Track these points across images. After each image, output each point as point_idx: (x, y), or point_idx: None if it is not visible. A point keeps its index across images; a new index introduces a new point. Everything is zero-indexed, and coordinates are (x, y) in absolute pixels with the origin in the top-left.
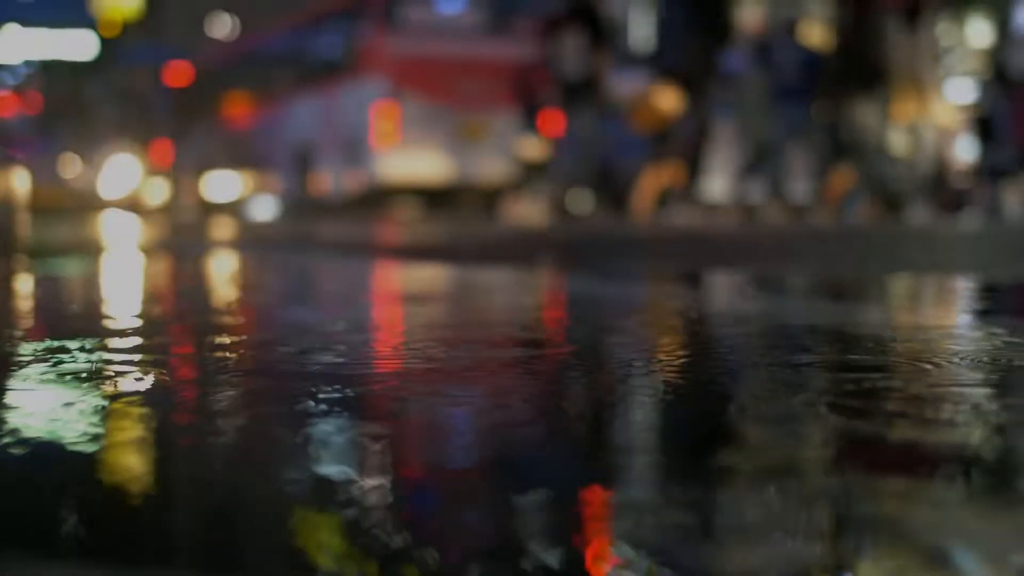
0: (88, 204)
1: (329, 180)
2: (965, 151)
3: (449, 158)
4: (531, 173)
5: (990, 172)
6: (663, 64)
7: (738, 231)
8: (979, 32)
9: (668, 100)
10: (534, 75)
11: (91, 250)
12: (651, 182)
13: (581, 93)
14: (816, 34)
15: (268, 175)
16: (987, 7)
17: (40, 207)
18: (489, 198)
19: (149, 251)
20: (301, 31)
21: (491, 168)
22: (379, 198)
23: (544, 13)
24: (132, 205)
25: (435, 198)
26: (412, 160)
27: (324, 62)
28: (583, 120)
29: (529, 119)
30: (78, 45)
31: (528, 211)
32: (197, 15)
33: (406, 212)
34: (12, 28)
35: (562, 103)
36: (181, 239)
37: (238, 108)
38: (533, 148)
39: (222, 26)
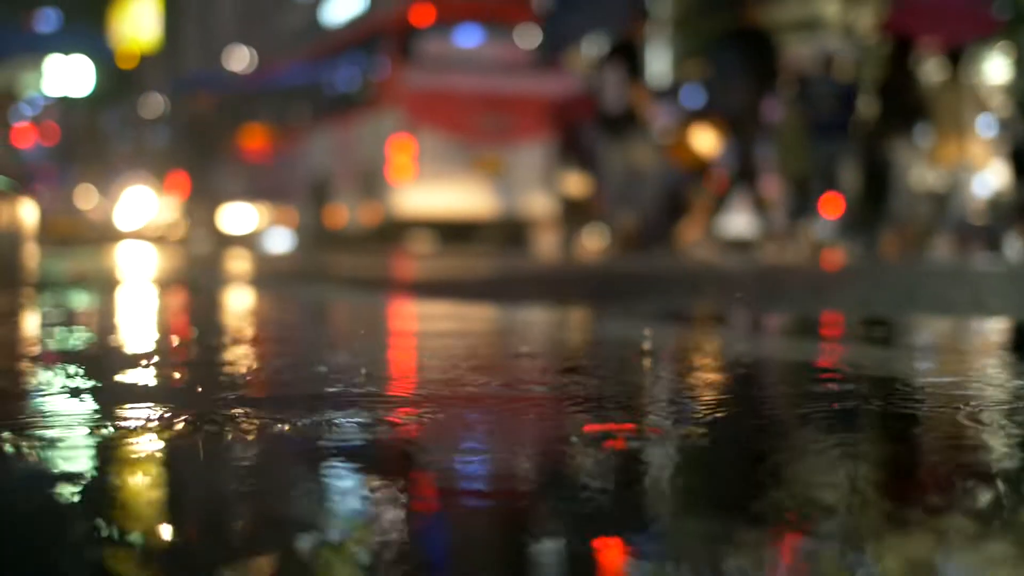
0: (104, 235)
1: (345, 213)
2: (986, 186)
3: (466, 192)
4: (572, 208)
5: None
6: (711, 104)
7: (777, 267)
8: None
9: (706, 138)
10: (575, 109)
11: (101, 283)
12: (697, 218)
13: (623, 127)
14: (852, 70)
15: (284, 208)
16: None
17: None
18: (506, 232)
19: (159, 284)
20: (318, 64)
21: (508, 202)
22: (395, 231)
23: (581, 48)
24: (148, 237)
25: (451, 232)
26: (428, 194)
27: (341, 95)
28: (626, 154)
29: (571, 154)
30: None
31: (566, 244)
32: (215, 48)
33: (422, 245)
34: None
35: (605, 137)
36: (195, 272)
37: (255, 140)
38: (574, 184)
39: (239, 59)
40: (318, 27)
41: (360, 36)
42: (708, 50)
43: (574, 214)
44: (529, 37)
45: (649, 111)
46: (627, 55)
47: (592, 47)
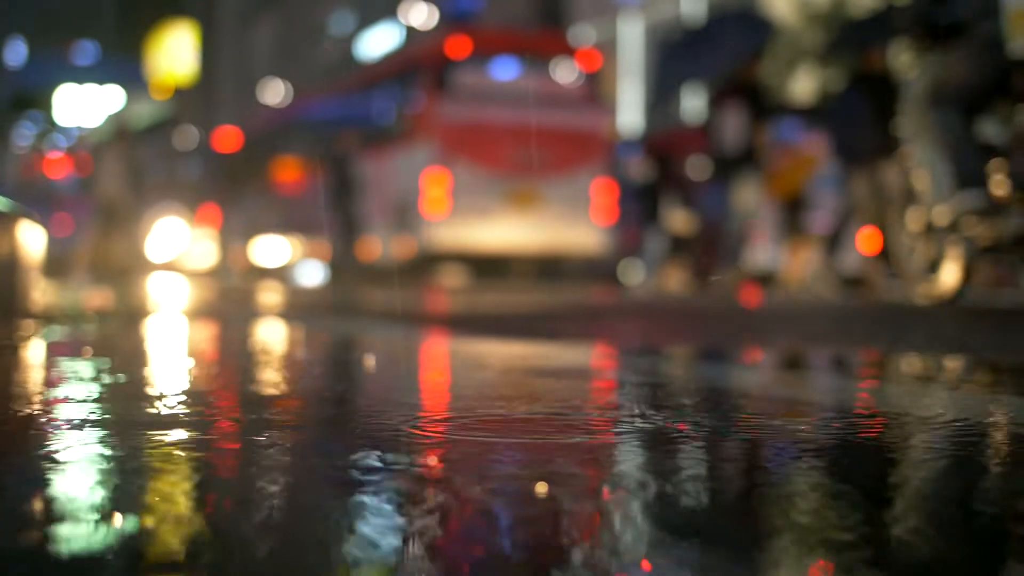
0: (136, 267)
1: (378, 246)
2: None
3: (501, 226)
4: (678, 244)
5: None
6: (838, 150)
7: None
8: None
9: (807, 171)
10: (676, 145)
11: (120, 315)
12: (800, 254)
13: (741, 166)
14: None
15: (317, 240)
16: None
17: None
18: (542, 266)
19: (180, 317)
20: (353, 96)
21: (543, 236)
22: (428, 265)
23: (703, 84)
24: (179, 268)
25: (485, 266)
26: (462, 227)
27: (375, 128)
28: (738, 195)
29: (673, 190)
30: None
31: (677, 281)
32: (250, 81)
33: (455, 279)
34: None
35: (721, 175)
36: (218, 304)
37: (288, 173)
38: (679, 221)
39: (274, 92)
40: (353, 61)
41: (396, 69)
42: (830, 94)
43: (678, 250)
44: (565, 70)
45: (767, 153)
46: (747, 95)
47: (707, 86)
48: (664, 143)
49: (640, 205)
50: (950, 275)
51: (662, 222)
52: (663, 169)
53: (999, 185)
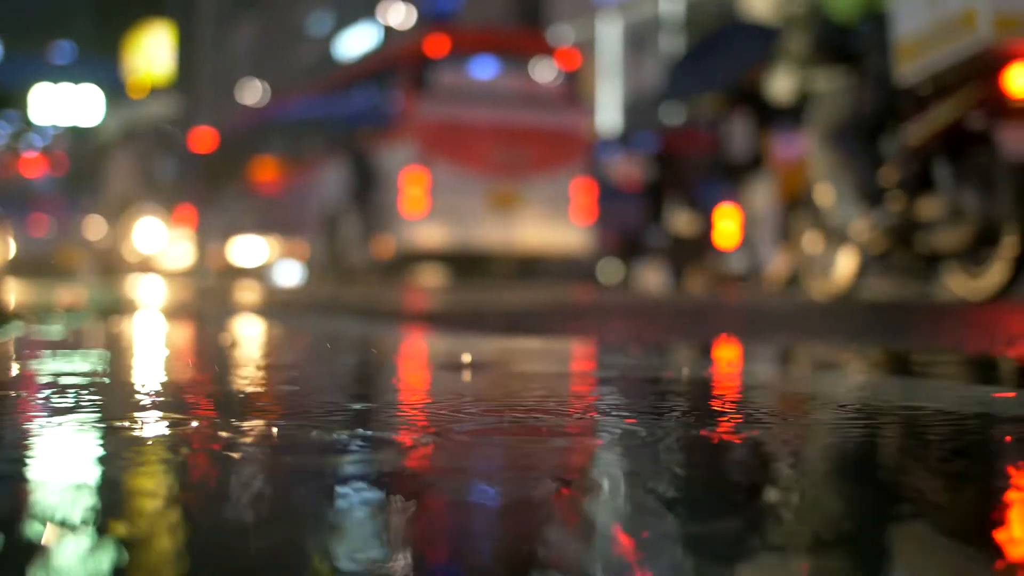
0: (112, 267)
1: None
2: None
3: (479, 225)
4: (680, 246)
5: None
6: None
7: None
8: None
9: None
10: (682, 147)
11: (88, 313)
12: (786, 255)
13: (746, 172)
14: None
15: (295, 240)
16: None
17: (63, 269)
18: (519, 266)
19: (149, 314)
20: (331, 96)
21: (522, 235)
22: (407, 264)
23: (714, 93)
24: (156, 268)
25: (464, 265)
26: (441, 227)
27: (354, 127)
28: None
29: (678, 192)
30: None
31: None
32: (227, 81)
33: (433, 279)
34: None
35: (729, 180)
36: (186, 302)
37: (266, 173)
38: (684, 222)
39: (252, 92)
40: (332, 61)
41: (374, 68)
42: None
43: (682, 251)
44: (544, 70)
45: (774, 159)
46: (754, 103)
47: (717, 92)
48: (670, 144)
49: (641, 205)
50: (845, 273)
51: (665, 223)
52: (668, 170)
53: (894, 198)
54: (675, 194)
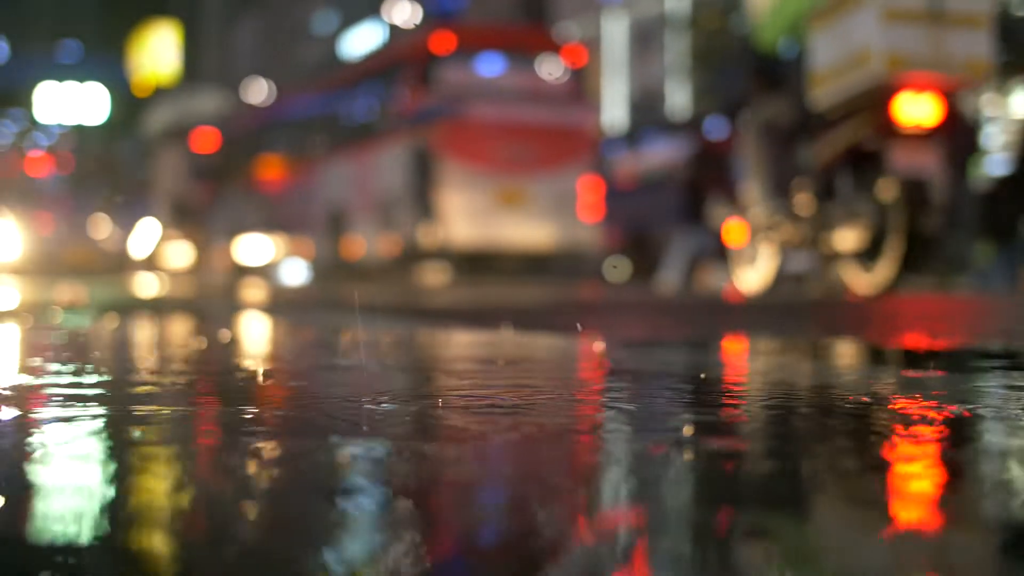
0: (117, 265)
1: (363, 244)
2: None
3: (486, 223)
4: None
5: None
6: None
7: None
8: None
9: None
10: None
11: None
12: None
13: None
14: None
15: (301, 239)
16: None
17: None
18: (526, 264)
19: (149, 312)
20: (336, 94)
21: (528, 233)
22: (413, 262)
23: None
24: (161, 266)
25: (471, 263)
26: (448, 224)
27: (359, 125)
28: None
29: (721, 191)
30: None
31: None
32: (232, 80)
33: (441, 277)
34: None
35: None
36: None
37: (271, 172)
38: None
39: (257, 91)
40: (337, 59)
41: (380, 66)
42: None
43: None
44: (550, 67)
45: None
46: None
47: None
48: (709, 142)
49: (678, 203)
50: (763, 270)
51: (706, 221)
52: (712, 169)
53: (803, 201)
54: (718, 193)
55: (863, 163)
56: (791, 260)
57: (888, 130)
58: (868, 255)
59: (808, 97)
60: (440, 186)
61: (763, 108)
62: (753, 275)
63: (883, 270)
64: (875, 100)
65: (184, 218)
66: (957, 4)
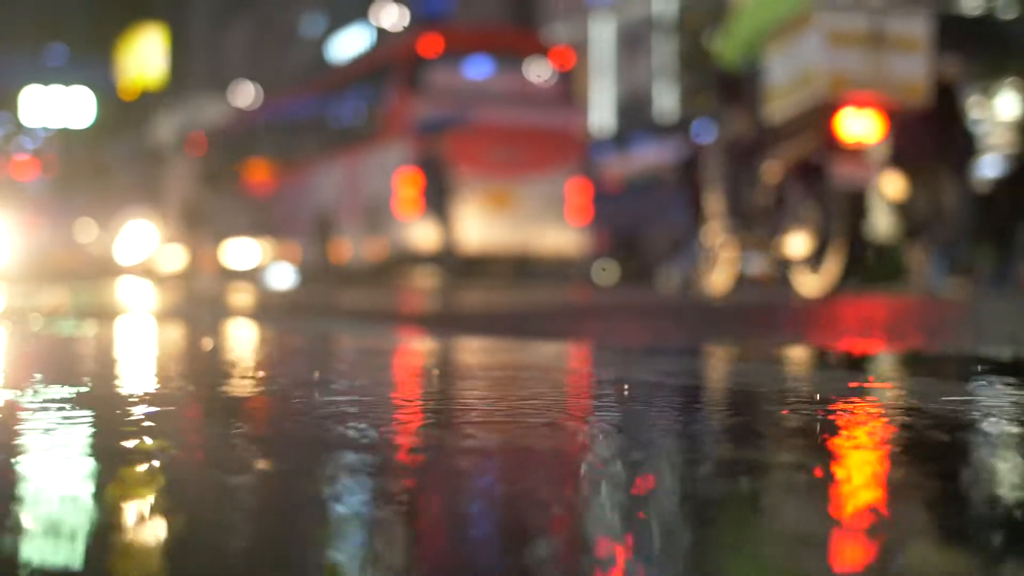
0: (103, 269)
1: (350, 248)
2: None
3: (474, 226)
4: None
5: None
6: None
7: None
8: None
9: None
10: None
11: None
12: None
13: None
14: None
15: (288, 243)
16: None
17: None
18: (515, 267)
19: (127, 317)
20: (324, 97)
21: (517, 236)
22: (401, 266)
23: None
24: (149, 271)
25: (460, 266)
26: (443, 229)
27: (347, 128)
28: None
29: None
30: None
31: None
32: (221, 83)
33: (428, 281)
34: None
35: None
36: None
37: (259, 175)
38: None
39: (245, 94)
40: (325, 62)
41: (368, 69)
42: None
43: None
44: (538, 69)
45: None
46: None
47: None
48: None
49: (688, 203)
50: (722, 276)
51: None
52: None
53: (758, 214)
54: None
55: (810, 175)
56: (750, 264)
57: (830, 146)
58: (814, 260)
59: (763, 112)
60: (454, 194)
61: (727, 122)
62: (717, 278)
63: (828, 273)
64: (819, 117)
65: (193, 224)
66: (896, 28)
